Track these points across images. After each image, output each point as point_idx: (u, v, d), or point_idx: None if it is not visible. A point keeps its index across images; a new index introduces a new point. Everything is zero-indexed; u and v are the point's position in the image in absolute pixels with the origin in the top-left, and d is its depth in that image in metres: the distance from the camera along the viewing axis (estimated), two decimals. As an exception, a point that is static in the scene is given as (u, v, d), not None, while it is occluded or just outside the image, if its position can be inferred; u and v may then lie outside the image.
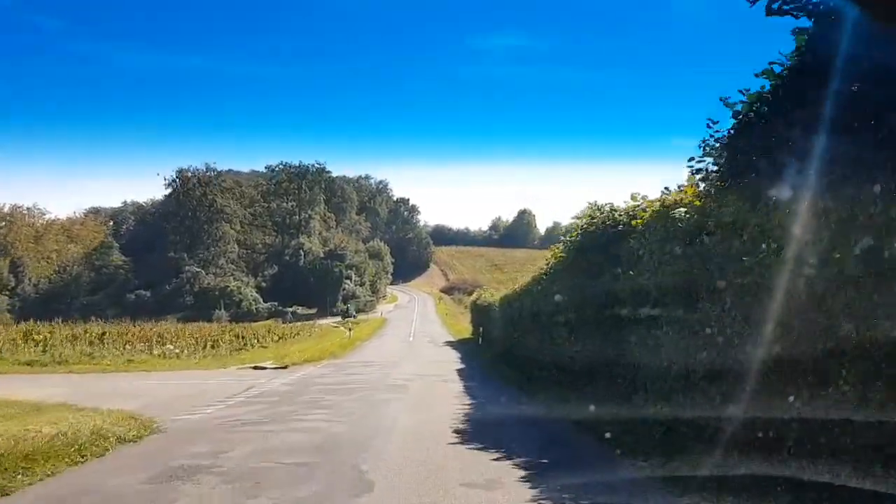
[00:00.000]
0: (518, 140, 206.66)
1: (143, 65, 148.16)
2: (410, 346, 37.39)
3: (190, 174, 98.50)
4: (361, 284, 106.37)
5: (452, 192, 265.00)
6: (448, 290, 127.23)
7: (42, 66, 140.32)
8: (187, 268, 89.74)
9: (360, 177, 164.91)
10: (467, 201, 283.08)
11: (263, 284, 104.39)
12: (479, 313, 37.40)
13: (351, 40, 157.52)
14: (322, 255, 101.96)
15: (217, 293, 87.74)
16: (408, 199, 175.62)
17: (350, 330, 45.19)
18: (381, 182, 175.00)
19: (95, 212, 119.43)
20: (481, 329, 34.75)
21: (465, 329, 49.03)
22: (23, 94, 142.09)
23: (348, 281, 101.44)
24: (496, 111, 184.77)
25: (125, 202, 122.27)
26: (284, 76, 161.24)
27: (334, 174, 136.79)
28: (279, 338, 44.14)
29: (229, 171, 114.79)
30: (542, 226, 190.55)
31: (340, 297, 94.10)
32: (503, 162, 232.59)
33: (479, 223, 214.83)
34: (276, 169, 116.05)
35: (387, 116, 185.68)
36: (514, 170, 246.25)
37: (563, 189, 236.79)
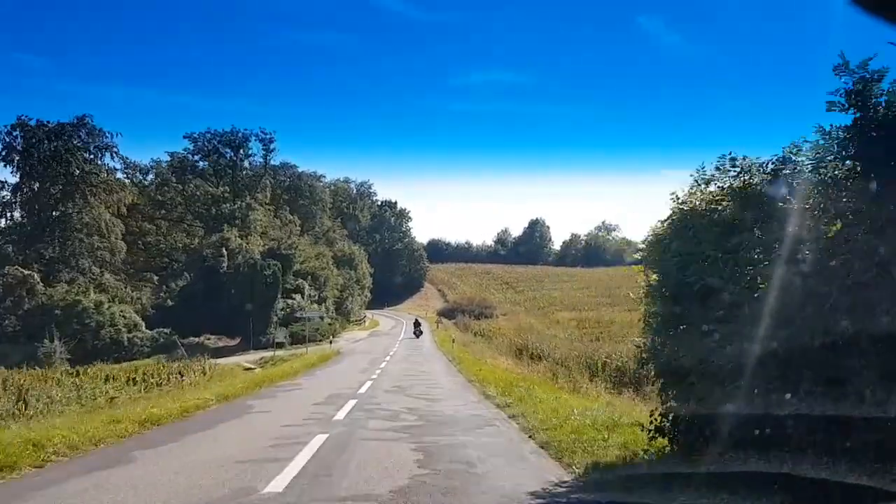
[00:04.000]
0: (514, 157, 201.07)
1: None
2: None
3: (35, 124, 61.03)
4: (320, 301, 69.91)
5: (445, 211, 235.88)
6: (448, 313, 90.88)
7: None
8: (10, 270, 52.55)
9: (337, 180, 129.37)
10: (464, 221, 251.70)
11: (170, 302, 68.08)
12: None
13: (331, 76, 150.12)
14: (258, 256, 65.46)
15: (60, 313, 51.21)
16: (395, 203, 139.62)
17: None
18: (362, 184, 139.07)
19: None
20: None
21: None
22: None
23: (297, 295, 65.11)
24: (482, 137, 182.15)
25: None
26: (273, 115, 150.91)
27: (301, 169, 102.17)
28: None
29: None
30: (557, 239, 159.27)
31: (276, 319, 57.60)
32: (503, 179, 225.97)
33: (481, 237, 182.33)
34: (199, 137, 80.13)
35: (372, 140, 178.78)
36: (516, 186, 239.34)
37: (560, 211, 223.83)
